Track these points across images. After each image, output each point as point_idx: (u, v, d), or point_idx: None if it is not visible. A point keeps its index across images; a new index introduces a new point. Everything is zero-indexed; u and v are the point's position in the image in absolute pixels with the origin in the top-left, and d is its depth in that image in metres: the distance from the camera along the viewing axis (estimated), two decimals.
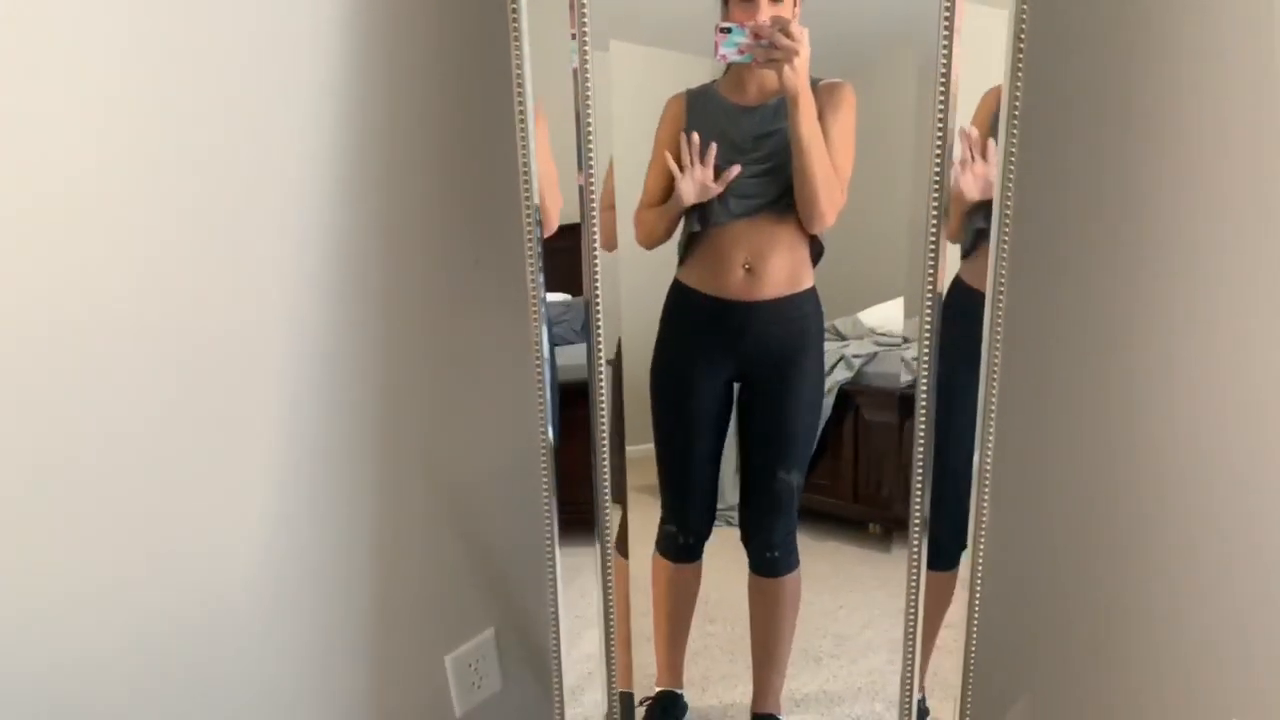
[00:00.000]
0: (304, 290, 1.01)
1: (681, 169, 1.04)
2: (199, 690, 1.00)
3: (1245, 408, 1.03)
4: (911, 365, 1.13)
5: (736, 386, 1.16)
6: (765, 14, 0.99)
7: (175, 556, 0.95)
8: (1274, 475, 1.02)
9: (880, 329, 1.25)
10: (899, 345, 1.23)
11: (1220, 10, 0.97)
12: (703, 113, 1.06)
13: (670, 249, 1.11)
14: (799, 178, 1.03)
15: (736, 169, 1.04)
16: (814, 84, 1.02)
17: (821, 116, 1.02)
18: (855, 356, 1.25)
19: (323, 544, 1.09)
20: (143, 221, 0.87)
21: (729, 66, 1.04)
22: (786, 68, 0.98)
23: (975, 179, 0.98)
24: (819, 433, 1.18)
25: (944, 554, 1.12)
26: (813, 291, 1.11)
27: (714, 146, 1.04)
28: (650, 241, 1.09)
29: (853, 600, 1.29)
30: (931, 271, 1.00)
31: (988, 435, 1.02)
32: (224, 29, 0.89)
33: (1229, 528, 1.07)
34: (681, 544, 1.20)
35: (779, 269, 1.08)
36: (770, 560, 1.19)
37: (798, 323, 1.11)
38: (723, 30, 0.97)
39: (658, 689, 1.24)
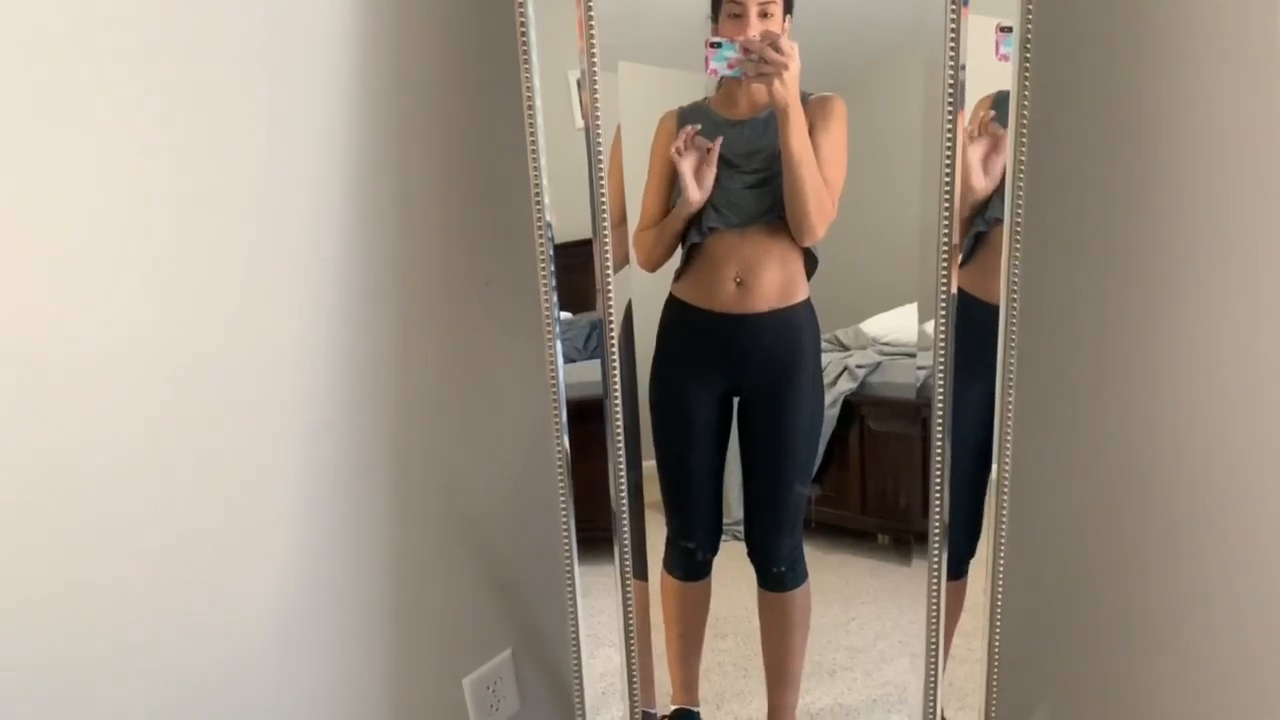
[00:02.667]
0: (317, 317, 1.01)
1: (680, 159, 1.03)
2: (216, 713, 0.99)
3: (1267, 411, 1.03)
4: (920, 374, 1.12)
5: (736, 401, 1.16)
6: (755, 29, 1.00)
7: (193, 589, 0.95)
8: None
9: (883, 338, 1.25)
10: (902, 354, 1.22)
11: (1231, 10, 0.97)
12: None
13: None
14: (789, 191, 1.04)
15: (719, 141, 1.03)
16: (805, 98, 1.03)
17: (812, 130, 1.03)
18: (859, 367, 1.25)
19: (339, 570, 1.08)
20: (148, 262, 0.86)
21: (720, 81, 1.05)
22: (776, 82, 0.99)
23: (980, 163, 0.99)
24: (823, 445, 1.18)
25: (952, 563, 1.11)
26: (807, 304, 1.11)
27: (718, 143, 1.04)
28: (651, 262, 1.10)
29: (864, 612, 1.29)
30: (945, 277, 1.00)
31: (1005, 444, 1.02)
32: (233, 59, 0.89)
33: (1252, 532, 1.06)
34: (688, 561, 1.19)
35: (770, 282, 1.08)
36: (777, 575, 1.18)
37: (791, 335, 1.11)
38: (713, 45, 0.98)
39: (673, 707, 1.23)
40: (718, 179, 1.06)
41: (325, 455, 1.04)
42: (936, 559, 1.07)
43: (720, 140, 1.05)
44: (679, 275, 1.11)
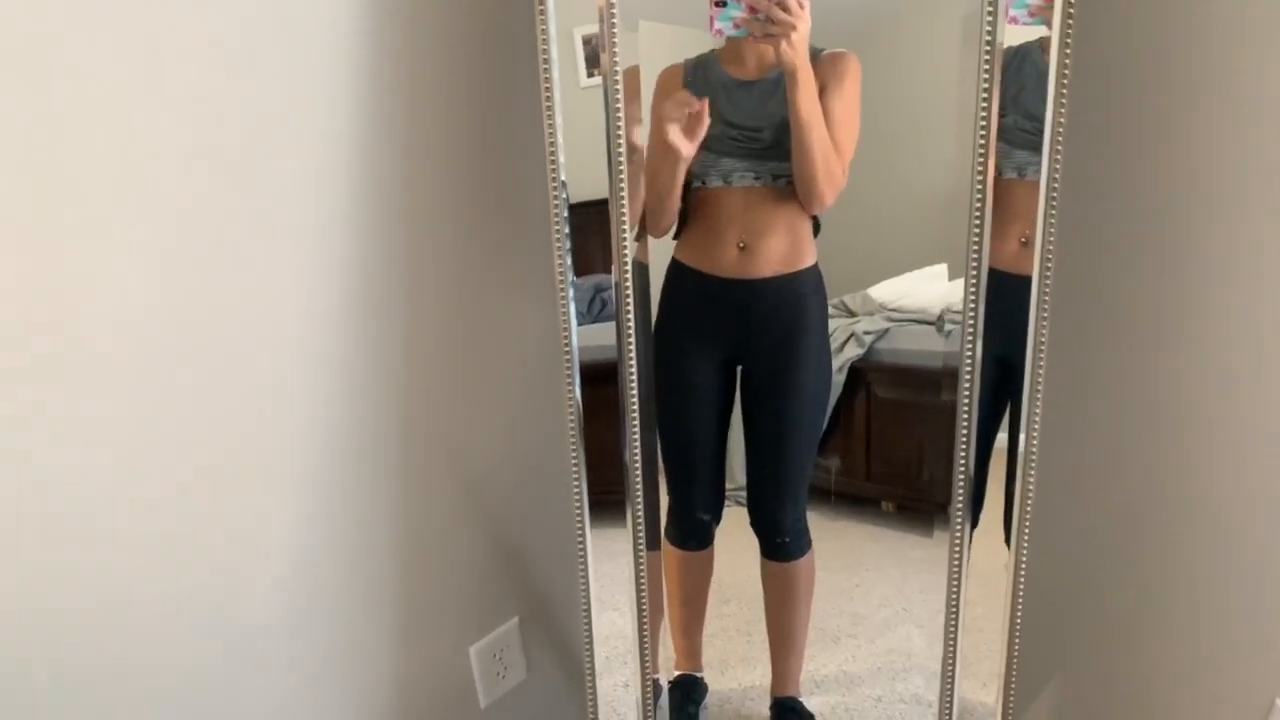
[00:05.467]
0: (324, 282, 0.99)
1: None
2: (227, 682, 0.98)
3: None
4: (940, 338, 1.11)
5: (740, 370, 1.14)
6: None
7: (203, 555, 0.93)
8: None
9: (891, 304, 1.23)
10: (911, 321, 1.22)
11: None
12: (701, 85, 1.03)
13: None
14: (798, 157, 1.00)
15: (704, 102, 0.99)
16: (817, 54, 0.98)
17: (823, 90, 0.99)
18: (866, 333, 1.23)
19: (347, 538, 1.07)
20: (158, 216, 0.85)
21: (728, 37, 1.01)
22: (784, 43, 0.94)
23: None
24: (828, 412, 1.16)
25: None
26: (814, 270, 1.08)
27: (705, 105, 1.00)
28: (656, 224, 1.05)
29: (868, 579, 1.29)
30: (977, 241, 0.95)
31: (1034, 417, 1.00)
32: (241, 23, 0.87)
33: (1268, 511, 1.05)
34: (690, 530, 1.18)
35: (775, 247, 1.05)
36: (781, 545, 1.17)
37: (795, 302, 1.08)
38: (718, 3, 0.94)
39: (677, 673, 1.23)
40: (723, 141, 1.02)
41: (332, 421, 1.03)
42: (960, 529, 1.05)
43: (706, 101, 1.00)
44: (679, 237, 1.08)
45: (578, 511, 1.08)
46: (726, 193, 1.04)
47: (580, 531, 1.08)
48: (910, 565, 1.26)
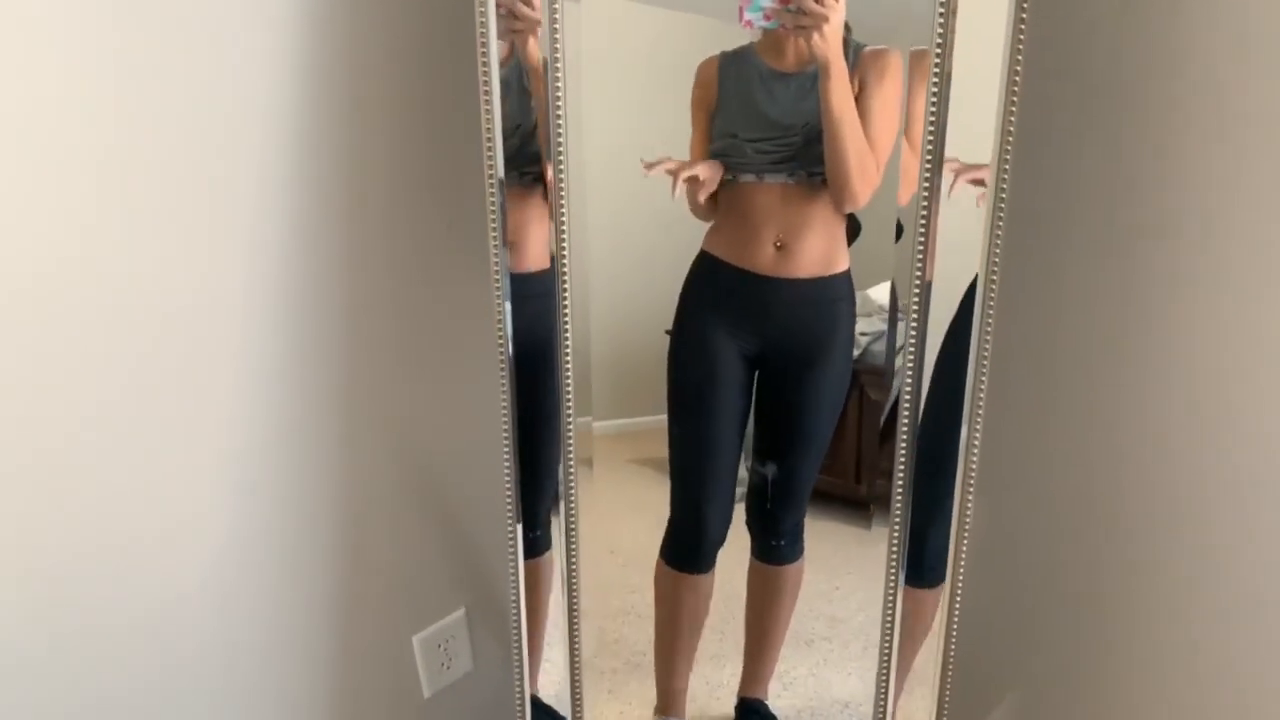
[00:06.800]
0: (263, 260, 0.96)
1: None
2: (161, 673, 0.98)
3: (1234, 408, 0.98)
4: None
5: (759, 369, 1.09)
6: None
7: (132, 540, 0.92)
8: (1264, 474, 0.97)
9: (889, 305, 1.17)
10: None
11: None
12: (736, 78, 0.99)
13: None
14: (830, 153, 0.95)
15: (716, 176, 0.98)
16: (859, 49, 0.94)
17: (864, 87, 0.94)
18: (862, 335, 1.19)
19: (285, 522, 1.06)
20: (97, 195, 0.83)
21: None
22: (816, 35, 0.90)
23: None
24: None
25: (936, 565, 1.05)
26: (847, 275, 1.04)
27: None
28: (696, 212, 1.03)
29: (849, 582, 1.26)
30: (922, 245, 0.93)
31: (974, 432, 0.97)
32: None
33: (1217, 527, 1.02)
34: (696, 550, 1.12)
35: (813, 248, 1.01)
36: (775, 548, 1.13)
37: (828, 307, 1.05)
38: None
39: (655, 718, 1.18)
40: (758, 135, 0.98)
41: (271, 405, 1.01)
42: (898, 529, 1.03)
43: (716, 176, 0.98)
44: (713, 229, 1.04)
45: (509, 502, 1.03)
46: (761, 189, 1.00)
47: (511, 523, 1.04)
48: None
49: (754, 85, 0.98)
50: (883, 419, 1.06)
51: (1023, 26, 0.84)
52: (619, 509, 1.15)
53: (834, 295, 1.04)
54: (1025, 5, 0.84)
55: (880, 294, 1.21)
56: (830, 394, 1.08)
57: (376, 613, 1.18)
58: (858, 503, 1.23)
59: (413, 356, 1.14)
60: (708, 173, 0.98)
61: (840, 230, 1.02)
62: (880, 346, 1.21)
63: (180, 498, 0.95)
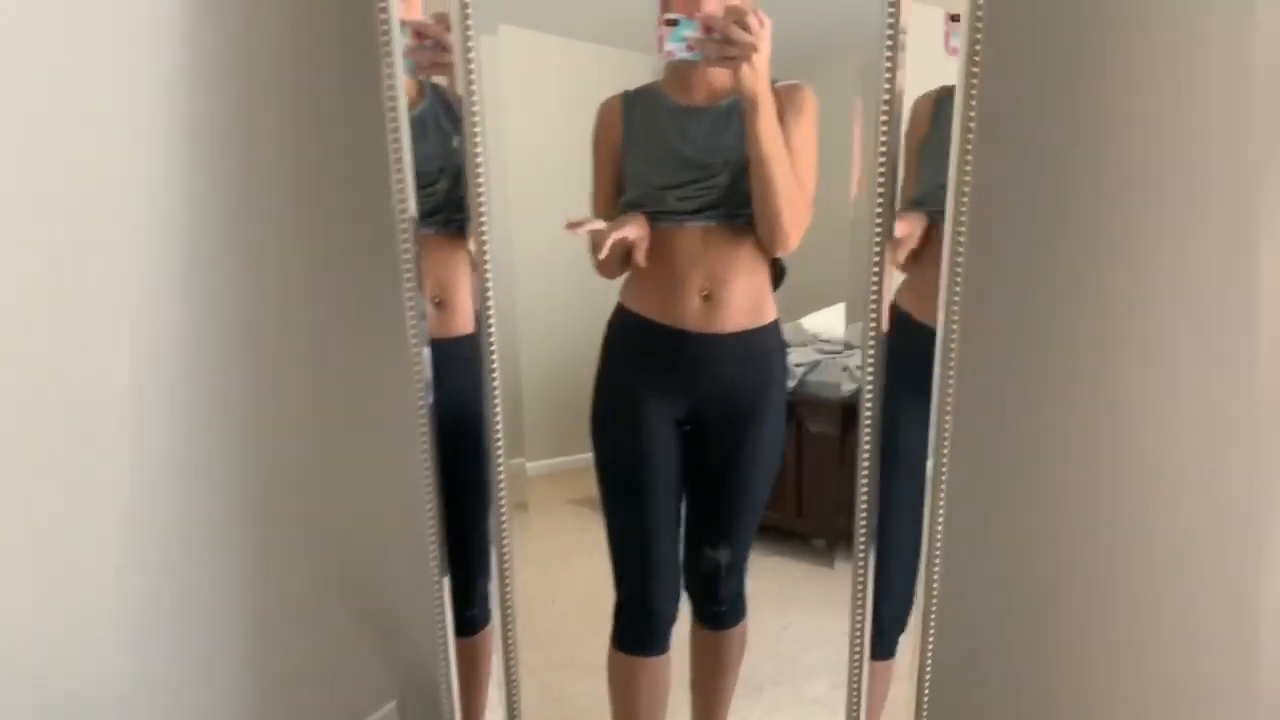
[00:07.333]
0: (152, 342, 0.88)
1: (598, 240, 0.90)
2: None
3: (1196, 462, 0.96)
4: (854, 374, 1.03)
5: (688, 432, 1.01)
6: (711, 4, 0.85)
7: (25, 646, 0.83)
8: (1224, 522, 0.95)
9: (823, 335, 1.17)
10: (841, 352, 1.15)
11: (1186, 7, 0.89)
12: (644, 116, 0.92)
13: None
14: (760, 194, 0.89)
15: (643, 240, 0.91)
16: (771, 85, 0.88)
17: (782, 123, 0.89)
18: (797, 365, 1.16)
19: (192, 625, 0.96)
20: None
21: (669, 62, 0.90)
22: (745, 66, 0.83)
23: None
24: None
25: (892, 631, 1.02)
26: (776, 326, 0.98)
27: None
28: (605, 271, 0.95)
29: (797, 621, 1.22)
30: (876, 275, 0.88)
31: (938, 505, 0.93)
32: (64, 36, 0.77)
33: (1182, 580, 1.01)
34: (650, 630, 1.03)
35: (741, 296, 0.94)
36: (718, 614, 1.06)
37: (761, 360, 0.97)
38: (668, 22, 0.82)
39: None
40: (674, 175, 0.91)
41: (169, 501, 0.91)
42: (862, 567, 0.97)
43: (646, 234, 0.91)
44: (630, 282, 0.96)
45: (436, 580, 0.96)
46: (683, 234, 0.92)
47: (439, 602, 0.96)
48: (842, 605, 1.14)
49: (664, 123, 0.91)
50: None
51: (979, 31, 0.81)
52: (558, 554, 1.09)
53: (765, 348, 0.98)
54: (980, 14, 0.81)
55: (813, 323, 1.20)
56: (767, 453, 1.01)
57: (298, 713, 1.07)
58: (800, 535, 1.22)
59: (326, 436, 1.05)
60: (637, 232, 0.90)
61: (766, 276, 0.96)
62: (816, 377, 1.19)
63: (73, 609, 0.85)
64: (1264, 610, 0.93)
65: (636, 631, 1.02)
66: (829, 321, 1.14)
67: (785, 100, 0.88)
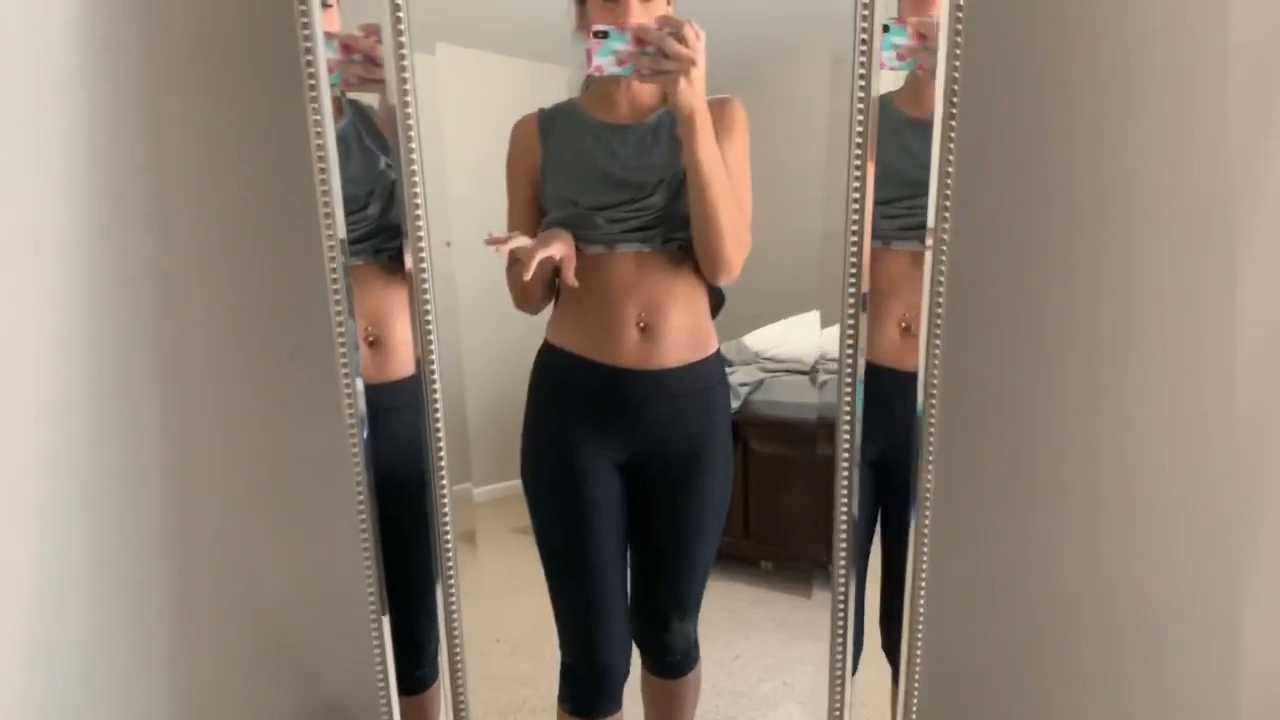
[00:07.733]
0: (62, 363, 0.80)
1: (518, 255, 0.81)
2: None
3: (1181, 467, 0.95)
4: (812, 390, 1.02)
5: (630, 475, 0.93)
6: (638, 15, 0.78)
7: None
8: (1209, 525, 0.95)
9: (767, 353, 1.15)
10: (787, 371, 1.14)
11: (1165, 13, 0.89)
12: (564, 134, 0.85)
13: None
14: (699, 218, 0.82)
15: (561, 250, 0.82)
16: None
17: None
18: (742, 385, 1.14)
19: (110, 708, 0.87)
20: None
21: (587, 80, 0.84)
22: (682, 81, 0.76)
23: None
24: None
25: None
26: (718, 357, 0.90)
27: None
28: (528, 303, 0.87)
29: (748, 648, 1.20)
30: (854, 277, 0.83)
31: (924, 523, 0.91)
32: None
33: (1168, 582, 0.99)
34: (598, 691, 0.92)
35: (679, 328, 0.86)
36: (671, 664, 0.99)
37: (703, 396, 0.89)
38: (598, 35, 0.75)
39: None
40: (601, 197, 0.84)
41: (86, 596, 0.83)
42: (843, 592, 0.92)
43: (573, 252, 0.82)
44: (558, 316, 0.88)
45: (378, 654, 0.87)
46: (614, 259, 0.84)
47: (383, 679, 0.87)
48: (792, 630, 1.18)
49: (587, 143, 0.84)
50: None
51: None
52: (504, 588, 1.02)
53: (709, 383, 0.89)
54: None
55: (756, 341, 1.18)
56: (716, 493, 0.92)
57: None
58: (747, 559, 1.19)
59: (254, 503, 0.96)
60: (563, 250, 0.81)
61: (705, 303, 0.88)
62: (760, 396, 1.17)
63: None
64: (1249, 611, 0.93)
65: (586, 696, 0.92)
66: (773, 338, 1.13)
67: (715, 117, 0.82)
